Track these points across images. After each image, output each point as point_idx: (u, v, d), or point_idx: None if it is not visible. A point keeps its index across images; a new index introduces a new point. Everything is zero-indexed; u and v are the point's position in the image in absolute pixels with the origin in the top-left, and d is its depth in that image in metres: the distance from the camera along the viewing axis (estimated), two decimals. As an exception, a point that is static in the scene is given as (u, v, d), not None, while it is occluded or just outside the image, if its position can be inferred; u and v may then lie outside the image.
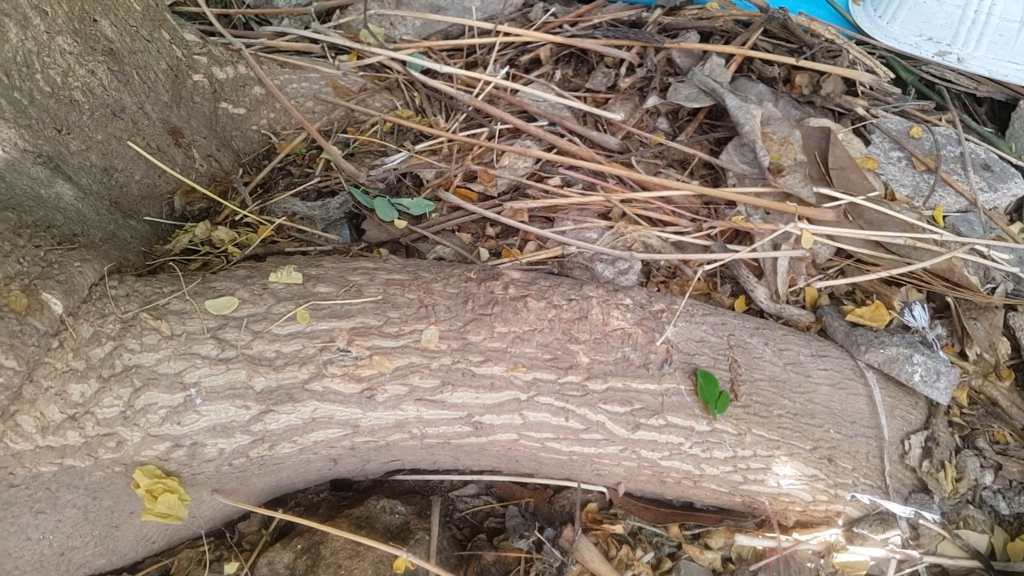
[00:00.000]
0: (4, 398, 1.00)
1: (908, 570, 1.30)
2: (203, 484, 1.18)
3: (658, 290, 1.45)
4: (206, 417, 1.11)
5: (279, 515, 1.22)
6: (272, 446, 1.15)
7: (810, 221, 1.47)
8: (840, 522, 1.32)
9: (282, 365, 1.14)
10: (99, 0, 1.36)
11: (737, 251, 1.43)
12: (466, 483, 1.39)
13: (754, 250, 1.42)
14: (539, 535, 1.26)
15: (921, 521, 1.30)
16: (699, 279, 1.44)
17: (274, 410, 1.13)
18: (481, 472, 1.36)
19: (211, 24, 1.82)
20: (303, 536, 1.23)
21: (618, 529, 1.28)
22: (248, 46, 1.71)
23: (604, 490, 1.35)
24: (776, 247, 1.44)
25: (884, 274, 1.43)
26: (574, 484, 1.34)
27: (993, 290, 1.53)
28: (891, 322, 1.43)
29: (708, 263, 1.44)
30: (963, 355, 1.49)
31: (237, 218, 1.42)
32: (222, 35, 1.76)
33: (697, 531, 1.32)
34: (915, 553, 1.29)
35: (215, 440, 1.12)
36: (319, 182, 1.50)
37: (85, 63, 1.32)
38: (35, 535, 1.11)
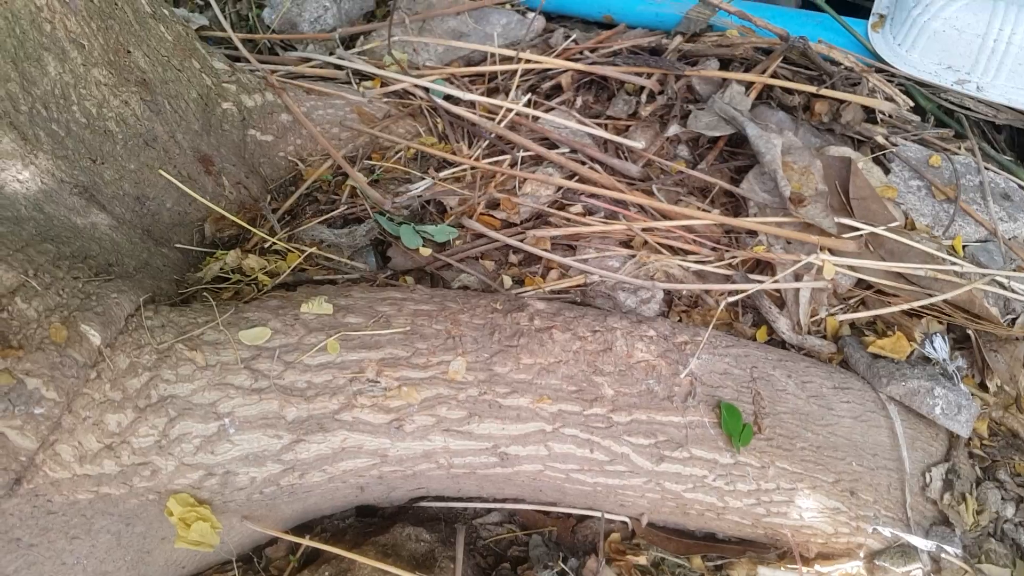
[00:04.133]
0: (44, 428, 1.02)
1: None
2: (234, 511, 1.20)
3: (680, 319, 1.47)
4: (239, 446, 1.13)
5: (307, 542, 1.24)
6: (302, 475, 1.17)
7: (831, 251, 1.48)
8: (862, 555, 1.32)
9: (313, 395, 1.16)
10: (132, 32, 1.39)
11: (760, 282, 1.44)
12: (489, 511, 1.40)
13: (776, 281, 1.43)
14: (563, 565, 1.27)
15: (943, 554, 1.30)
16: (721, 309, 1.45)
17: (305, 440, 1.15)
18: (504, 500, 1.38)
19: (236, 49, 1.85)
20: (330, 563, 1.25)
21: (641, 560, 1.29)
22: (273, 72, 1.74)
23: (627, 520, 1.36)
24: (798, 278, 1.45)
25: (905, 306, 1.44)
26: (597, 513, 1.35)
27: (1013, 321, 1.54)
28: (912, 353, 1.44)
29: (730, 294, 1.45)
30: (983, 386, 1.49)
31: (266, 245, 1.44)
32: (248, 60, 1.79)
33: (720, 562, 1.33)
34: (936, 586, 1.30)
35: (247, 469, 1.14)
36: (346, 210, 1.52)
37: (119, 94, 1.35)
38: (70, 560, 1.13)
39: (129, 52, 1.37)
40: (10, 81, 1.18)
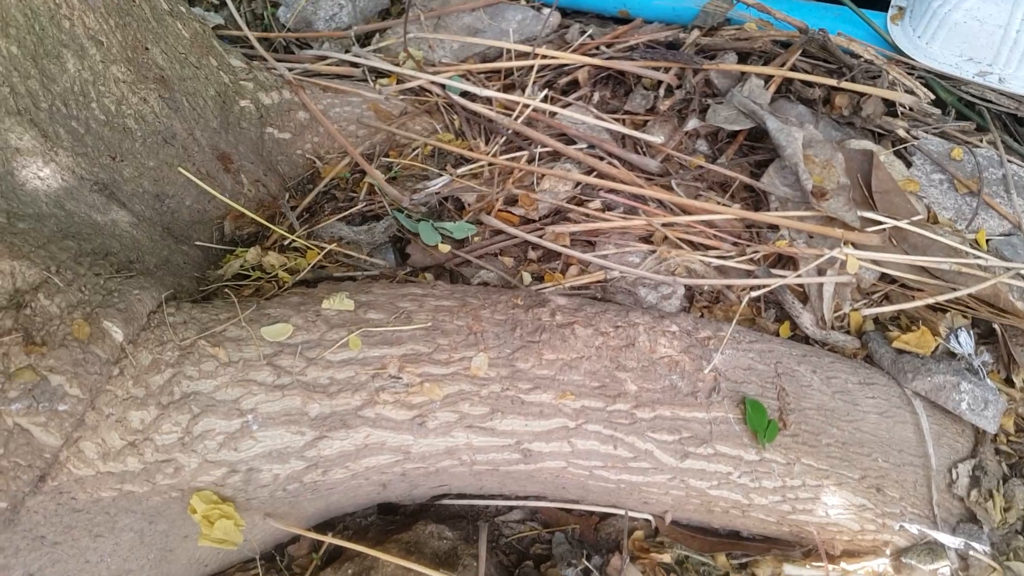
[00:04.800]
0: (68, 425, 1.02)
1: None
2: (256, 509, 1.19)
3: (701, 315, 1.45)
4: (262, 443, 1.12)
5: (330, 539, 1.24)
6: (325, 472, 1.16)
7: (855, 246, 1.46)
8: (888, 552, 1.31)
9: (336, 391, 1.15)
10: (150, 29, 1.39)
11: (783, 276, 1.43)
12: (512, 508, 1.39)
13: (799, 276, 1.41)
14: (587, 563, 1.26)
15: (970, 552, 1.29)
16: (743, 304, 1.44)
17: (328, 436, 1.14)
18: (527, 498, 1.37)
19: (252, 47, 1.85)
20: (353, 561, 1.24)
21: (665, 558, 1.28)
22: (290, 70, 1.73)
23: (650, 518, 1.35)
24: (821, 272, 1.44)
25: (929, 300, 1.42)
26: (620, 511, 1.34)
27: (1039, 315, 1.52)
28: (937, 348, 1.42)
29: (753, 289, 1.44)
30: (1009, 381, 1.47)
31: (285, 243, 1.44)
32: (264, 59, 1.79)
33: (744, 560, 1.32)
34: (964, 583, 1.28)
35: (270, 466, 1.14)
36: (364, 207, 1.52)
37: (138, 91, 1.35)
38: (93, 558, 1.13)
39: (147, 49, 1.37)
40: (30, 78, 1.18)
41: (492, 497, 1.38)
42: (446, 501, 1.38)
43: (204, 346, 1.12)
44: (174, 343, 1.11)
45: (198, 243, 1.41)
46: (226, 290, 1.25)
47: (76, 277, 1.08)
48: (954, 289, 1.45)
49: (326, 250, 1.36)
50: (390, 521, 1.37)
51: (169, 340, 1.11)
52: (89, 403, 1.04)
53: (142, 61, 1.36)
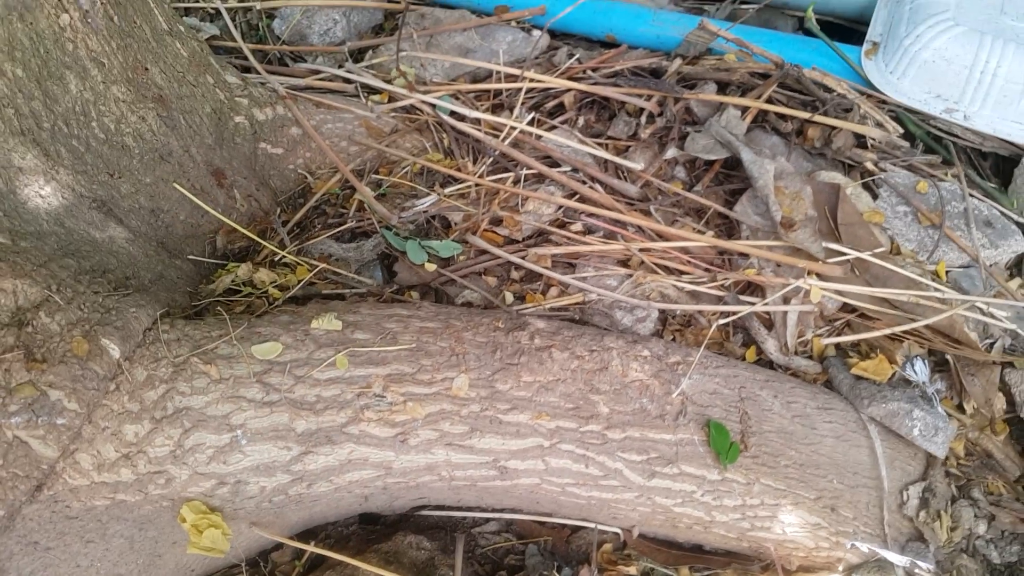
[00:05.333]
0: (65, 438, 1.07)
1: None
2: (243, 518, 1.25)
3: (673, 338, 1.52)
4: (250, 457, 1.18)
5: (312, 548, 1.30)
6: (310, 485, 1.22)
7: (819, 276, 1.54)
8: (840, 568, 1.39)
9: (322, 409, 1.21)
10: (150, 49, 1.43)
11: (751, 303, 1.50)
12: (488, 520, 1.46)
13: (766, 304, 1.49)
14: (557, 574, 1.33)
15: (916, 570, 1.37)
16: (713, 329, 1.51)
17: (313, 451, 1.20)
18: (503, 510, 1.43)
19: (246, 58, 1.89)
20: (335, 569, 1.30)
21: (632, 570, 1.35)
22: (282, 83, 1.78)
23: (619, 531, 1.42)
24: (786, 301, 1.51)
25: (888, 331, 1.50)
26: (591, 525, 1.41)
27: (991, 346, 1.60)
28: (893, 375, 1.50)
29: (722, 315, 1.51)
30: (961, 408, 1.56)
31: (276, 258, 1.49)
32: (258, 72, 1.83)
33: (706, 573, 1.39)
34: (911, 599, 1.37)
35: (257, 479, 1.19)
36: (354, 224, 1.57)
37: (137, 110, 1.39)
38: (84, 563, 1.18)
39: (147, 69, 1.41)
40: (34, 99, 1.22)
41: (470, 509, 1.45)
42: (425, 512, 1.45)
43: (197, 363, 1.17)
44: (168, 360, 1.16)
45: (191, 257, 1.45)
46: (218, 307, 1.30)
47: (76, 295, 1.13)
48: (912, 320, 1.53)
49: (317, 268, 1.41)
50: (371, 531, 1.43)
51: (163, 357, 1.16)
52: (86, 417, 1.09)
53: (141, 81, 1.40)
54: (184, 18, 1.92)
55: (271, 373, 1.21)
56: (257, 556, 1.38)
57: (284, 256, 1.47)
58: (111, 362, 1.11)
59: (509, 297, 1.54)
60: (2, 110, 1.18)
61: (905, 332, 1.53)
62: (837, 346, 1.57)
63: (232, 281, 1.39)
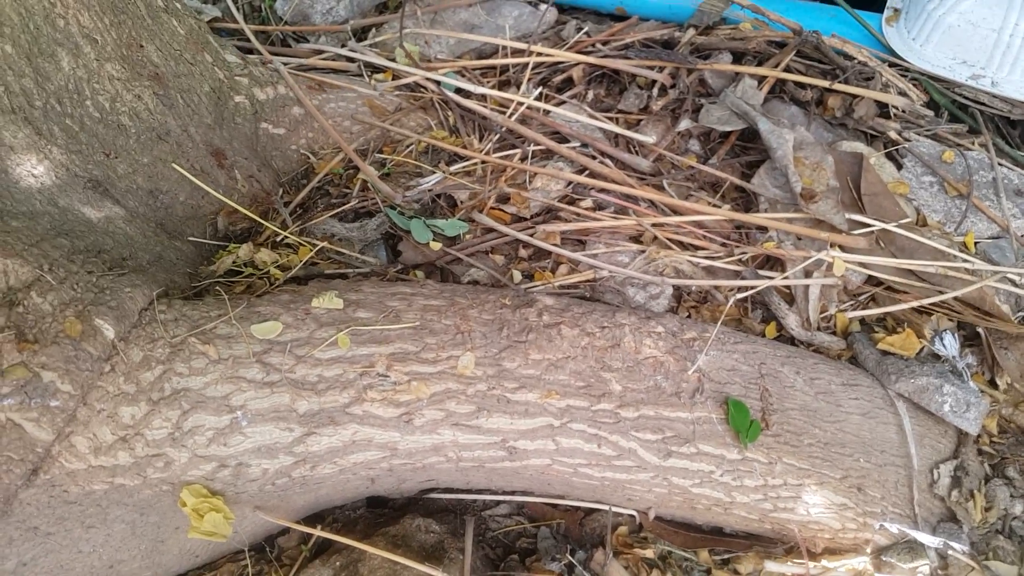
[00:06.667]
0: (60, 420, 1.04)
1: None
2: (246, 502, 1.22)
3: (688, 315, 1.47)
4: (251, 439, 1.14)
5: (318, 532, 1.26)
6: (314, 467, 1.19)
7: (842, 248, 1.47)
8: (868, 550, 1.33)
9: (324, 389, 1.17)
10: (145, 26, 1.39)
11: (770, 278, 1.44)
12: (499, 503, 1.41)
13: (786, 278, 1.43)
14: (571, 558, 1.28)
15: (950, 551, 1.31)
16: (730, 305, 1.45)
17: (316, 432, 1.16)
18: (513, 492, 1.39)
19: (248, 40, 1.86)
20: (341, 553, 1.26)
21: (648, 553, 1.30)
22: (285, 64, 1.74)
23: (635, 513, 1.37)
24: (808, 274, 1.45)
25: (915, 303, 1.44)
26: (605, 507, 1.36)
27: (1024, 319, 1.53)
28: (922, 350, 1.43)
29: (740, 290, 1.45)
30: (993, 383, 1.49)
31: (278, 239, 1.45)
32: (260, 52, 1.79)
33: (727, 556, 1.34)
34: (943, 582, 1.30)
35: (259, 461, 1.16)
36: (357, 203, 1.53)
37: (132, 88, 1.36)
38: (86, 548, 1.15)
39: (142, 46, 1.38)
40: (24, 76, 1.19)
41: (479, 492, 1.40)
42: (434, 496, 1.41)
43: (194, 343, 1.13)
44: (165, 340, 1.13)
45: (191, 239, 1.42)
46: (217, 287, 1.27)
47: (69, 275, 1.10)
48: (940, 292, 1.46)
49: (318, 247, 1.38)
50: (379, 514, 1.39)
51: (160, 337, 1.13)
52: (80, 399, 1.06)
53: (137, 58, 1.37)
54: (188, 1, 1.89)
55: (271, 353, 1.17)
56: (263, 541, 1.35)
57: (286, 237, 1.44)
58: (105, 343, 1.08)
59: (517, 276, 1.49)
60: (-7, 88, 1.15)
61: (933, 305, 1.47)
62: (862, 322, 1.50)
63: (233, 262, 1.35)
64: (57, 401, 1.03)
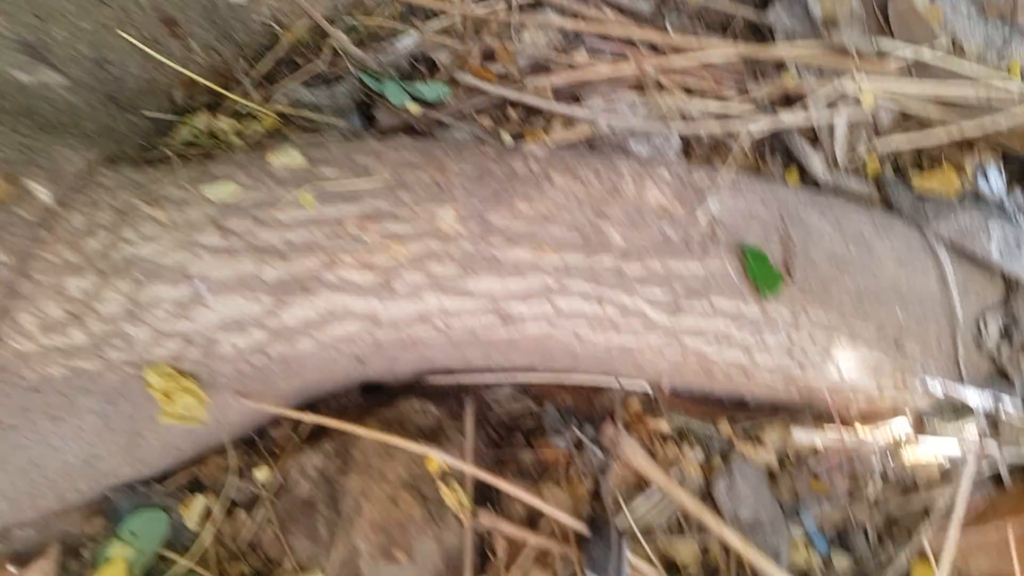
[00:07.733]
0: (0, 293, 0.94)
1: (987, 467, 1.18)
2: (224, 386, 1.12)
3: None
4: (216, 311, 1.03)
5: (307, 417, 1.17)
6: (291, 342, 1.08)
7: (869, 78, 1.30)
8: (909, 414, 1.20)
9: (290, 254, 1.05)
10: None
11: (791, 116, 1.28)
12: (501, 386, 1.30)
13: (808, 113, 1.26)
14: (578, 432, 1.18)
15: (1001, 411, 1.18)
16: (746, 152, 1.30)
17: (287, 302, 1.05)
18: (516, 370, 1.28)
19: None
20: (333, 439, 1.18)
21: (664, 427, 1.19)
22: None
23: (648, 389, 1.25)
24: (832, 108, 1.28)
25: (954, 133, 1.27)
26: (614, 382, 1.24)
27: (1082, 151, 1.35)
28: (963, 197, 1.27)
29: (756, 129, 1.29)
30: (1046, 225, 1.33)
31: (240, 111, 1.32)
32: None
33: (748, 424, 1.23)
34: (994, 446, 1.18)
35: (229, 336, 1.05)
36: (327, 70, 1.39)
37: (64, -56, 1.21)
38: (57, 443, 1.07)
39: None
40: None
41: (479, 371, 1.29)
42: (431, 380, 1.30)
43: (141, 206, 1.02)
44: (108, 203, 1.01)
45: (147, 113, 1.29)
46: (171, 155, 1.15)
47: (-6, 135, 0.99)
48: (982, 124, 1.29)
49: (277, 110, 1.24)
50: (374, 400, 1.30)
51: (103, 201, 1.01)
52: (19, 270, 0.95)
53: (65, -91, 1.22)
54: None
55: (229, 217, 1.05)
56: (254, 434, 1.26)
57: (249, 107, 1.30)
58: (39, 206, 0.97)
59: (507, 139, 1.35)
60: None
61: (975, 137, 1.29)
62: (895, 168, 1.34)
63: (191, 133, 1.23)
64: (-9, 272, 0.93)
